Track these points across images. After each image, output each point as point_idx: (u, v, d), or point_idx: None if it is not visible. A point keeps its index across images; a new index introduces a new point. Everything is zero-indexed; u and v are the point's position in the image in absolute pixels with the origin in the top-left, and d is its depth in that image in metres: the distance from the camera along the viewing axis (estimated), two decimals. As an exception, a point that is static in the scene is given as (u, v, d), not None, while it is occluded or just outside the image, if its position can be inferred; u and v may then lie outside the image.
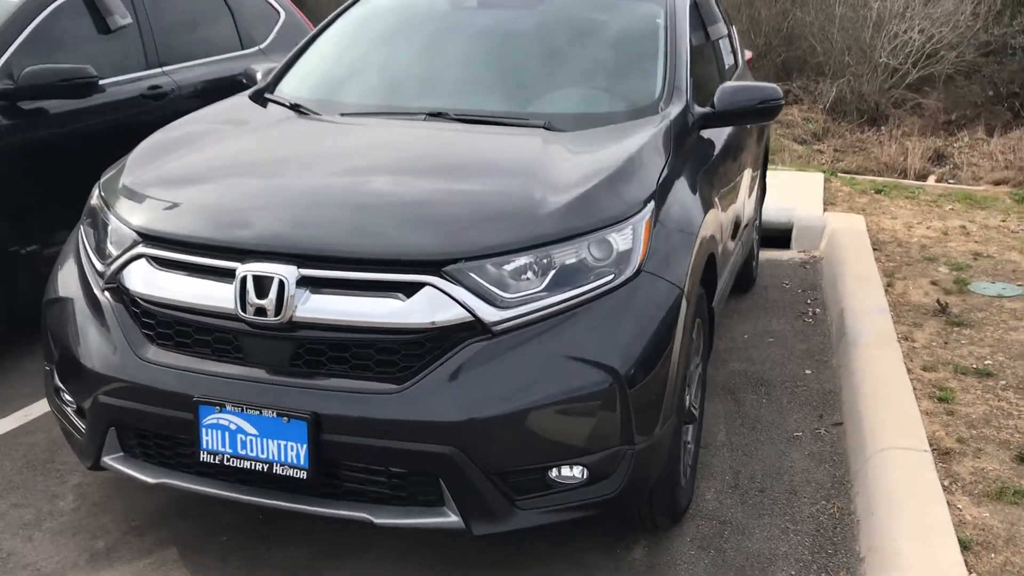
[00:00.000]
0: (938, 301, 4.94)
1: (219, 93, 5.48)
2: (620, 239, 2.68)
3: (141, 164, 3.13)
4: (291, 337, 2.58)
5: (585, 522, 2.85)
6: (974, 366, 4.23)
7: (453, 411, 2.47)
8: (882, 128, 14.79)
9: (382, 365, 2.55)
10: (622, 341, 2.59)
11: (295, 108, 3.61)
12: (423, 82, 3.76)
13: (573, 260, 2.63)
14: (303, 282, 2.56)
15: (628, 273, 2.65)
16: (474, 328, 2.53)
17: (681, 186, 3.10)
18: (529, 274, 2.58)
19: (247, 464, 2.61)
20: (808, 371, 4.48)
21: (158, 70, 5.17)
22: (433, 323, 2.51)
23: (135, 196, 2.94)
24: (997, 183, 10.67)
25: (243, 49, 5.94)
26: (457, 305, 2.51)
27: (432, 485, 2.56)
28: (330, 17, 4.21)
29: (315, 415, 2.50)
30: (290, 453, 2.56)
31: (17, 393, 4.11)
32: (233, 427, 2.59)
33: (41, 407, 4.00)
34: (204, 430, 2.61)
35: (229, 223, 2.74)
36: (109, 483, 3.42)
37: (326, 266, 2.57)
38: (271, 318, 2.55)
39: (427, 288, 2.52)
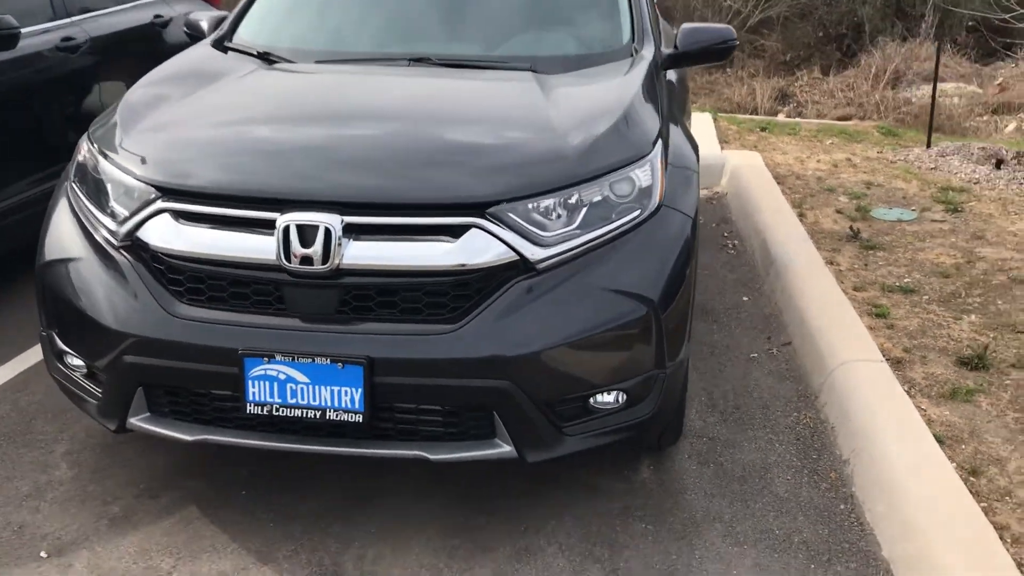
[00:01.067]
0: (850, 227, 5.33)
1: (132, 44, 5.29)
2: (642, 175, 2.81)
3: (139, 115, 3.03)
4: (336, 284, 2.60)
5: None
6: (897, 284, 4.62)
7: (507, 347, 2.57)
8: (728, 70, 15.47)
9: (432, 307, 2.61)
10: (653, 271, 2.74)
11: (263, 57, 3.55)
12: (392, 27, 3.76)
13: (600, 198, 2.74)
14: (347, 229, 2.58)
15: (651, 208, 2.80)
16: (518, 267, 2.62)
17: (673, 123, 3.26)
18: (564, 213, 2.68)
19: (298, 413, 2.63)
20: (745, 298, 4.78)
21: (67, 20, 4.90)
22: (481, 264, 2.59)
23: (143, 149, 2.85)
24: (841, 119, 11.38)
25: (145, -4, 5.69)
26: (502, 245, 2.59)
27: (484, 419, 2.66)
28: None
29: (370, 359, 2.55)
30: (344, 398, 2.59)
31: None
32: (282, 377, 2.60)
33: (-6, 378, 3.84)
34: (250, 382, 2.61)
35: (262, 173, 2.71)
36: (101, 448, 3.34)
37: (371, 213, 2.60)
38: (317, 267, 2.56)
39: (473, 230, 2.59)
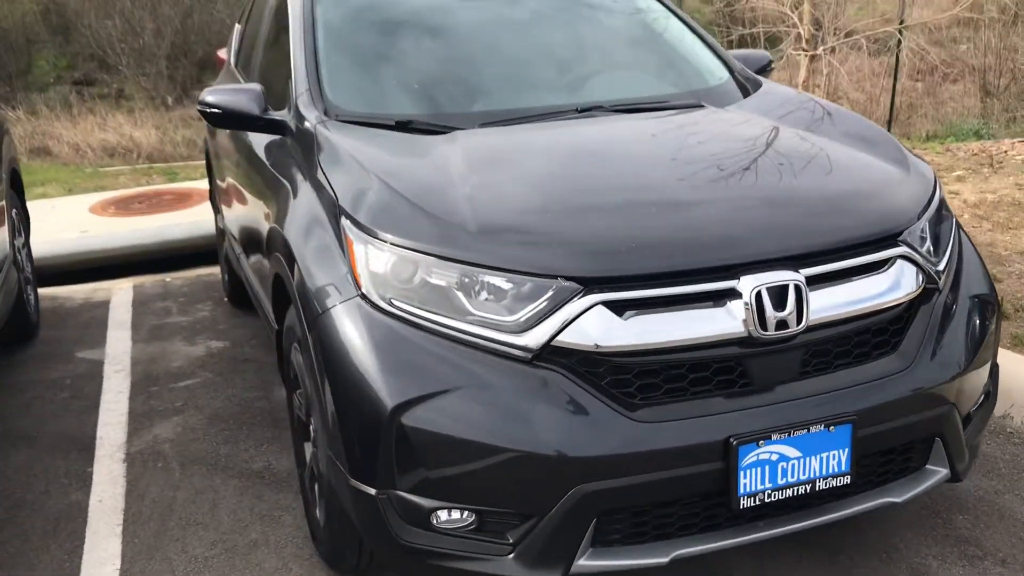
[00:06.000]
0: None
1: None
2: (938, 185, 2.95)
3: (451, 205, 2.49)
4: (799, 344, 2.40)
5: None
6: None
7: (950, 370, 2.56)
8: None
9: (878, 347, 2.52)
10: (978, 271, 2.89)
11: (404, 127, 3.06)
12: (525, 79, 3.42)
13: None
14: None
15: (953, 216, 2.95)
16: (927, 288, 2.61)
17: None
18: (927, 234, 2.72)
19: (789, 493, 2.38)
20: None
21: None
22: (912, 293, 2.55)
23: (519, 239, 2.37)
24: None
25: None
26: (919, 270, 2.58)
27: (924, 447, 2.61)
28: (311, 19, 3.50)
29: (858, 414, 2.39)
30: (831, 463, 2.40)
31: None
32: (775, 457, 2.34)
33: None
34: (742, 473, 2.31)
35: (705, 239, 2.40)
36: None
37: (821, 261, 2.43)
38: (792, 329, 2.35)
39: (899, 260, 2.55)
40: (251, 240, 3.79)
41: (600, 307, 2.28)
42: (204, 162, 5.67)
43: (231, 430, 3.92)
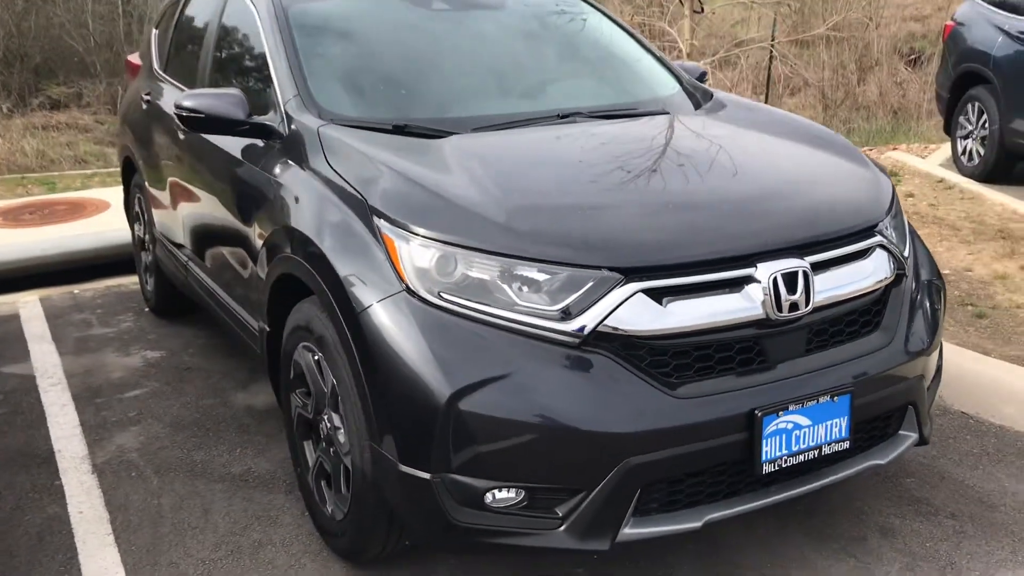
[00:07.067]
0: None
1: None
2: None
3: (484, 196, 2.65)
4: (805, 324, 2.66)
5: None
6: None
7: (922, 343, 2.90)
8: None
9: (864, 325, 2.82)
10: (930, 259, 3.26)
11: (400, 130, 3.17)
12: (502, 87, 3.59)
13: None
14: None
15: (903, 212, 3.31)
16: (897, 274, 2.94)
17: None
18: (891, 226, 3.05)
19: (800, 458, 2.63)
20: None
21: None
22: (890, 277, 2.87)
23: (560, 232, 2.54)
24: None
25: None
26: (891, 256, 2.91)
27: (900, 414, 2.93)
28: (285, 25, 3.55)
29: (855, 384, 2.68)
30: (834, 430, 2.68)
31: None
32: (790, 426, 2.59)
33: None
34: (765, 441, 2.56)
35: (726, 231, 2.63)
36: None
37: (823, 249, 2.71)
38: (802, 310, 2.61)
39: (877, 248, 2.86)
40: (221, 242, 3.78)
41: (640, 295, 2.47)
42: (78, 172, 5.52)
43: (198, 437, 3.89)
